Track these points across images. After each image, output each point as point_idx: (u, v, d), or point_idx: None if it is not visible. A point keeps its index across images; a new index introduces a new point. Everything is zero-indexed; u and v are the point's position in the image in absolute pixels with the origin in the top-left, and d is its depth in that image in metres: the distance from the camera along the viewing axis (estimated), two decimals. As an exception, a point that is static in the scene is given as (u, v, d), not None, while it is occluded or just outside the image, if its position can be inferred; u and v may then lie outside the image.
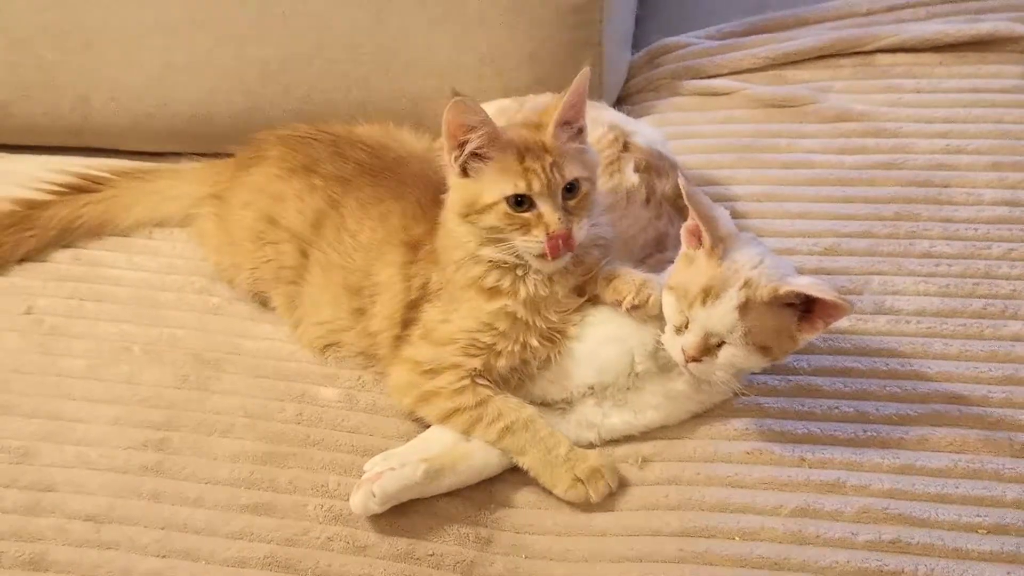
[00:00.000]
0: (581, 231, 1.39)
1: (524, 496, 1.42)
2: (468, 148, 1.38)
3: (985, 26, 1.99)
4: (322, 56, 1.88)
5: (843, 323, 1.56)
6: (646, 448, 1.44)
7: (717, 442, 1.44)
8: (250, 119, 1.87)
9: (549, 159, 1.37)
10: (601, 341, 1.43)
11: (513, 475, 1.43)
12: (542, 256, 1.38)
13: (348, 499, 1.38)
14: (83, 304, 1.66)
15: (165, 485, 1.41)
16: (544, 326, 1.42)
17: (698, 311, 1.34)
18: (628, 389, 1.44)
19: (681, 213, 1.55)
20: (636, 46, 2.17)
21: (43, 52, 1.94)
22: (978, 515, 1.34)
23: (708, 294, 1.34)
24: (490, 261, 1.41)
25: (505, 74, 1.89)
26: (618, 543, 1.35)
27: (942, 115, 1.89)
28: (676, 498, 1.38)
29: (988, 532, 1.32)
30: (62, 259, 1.74)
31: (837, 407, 1.47)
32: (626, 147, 1.62)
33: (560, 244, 1.36)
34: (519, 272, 1.41)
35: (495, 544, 1.37)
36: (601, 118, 1.67)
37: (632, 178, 1.58)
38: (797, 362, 1.52)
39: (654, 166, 1.61)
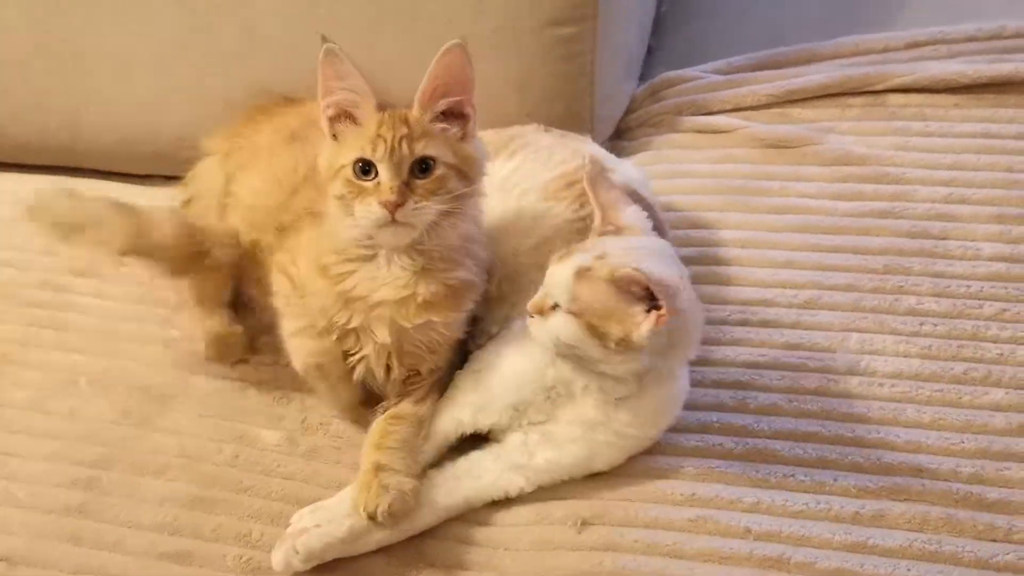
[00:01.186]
0: (421, 212, 1.32)
1: (453, 555, 1.36)
2: (333, 99, 1.36)
3: (1007, 67, 1.89)
4: (309, 79, 1.84)
5: (812, 383, 1.49)
6: (586, 509, 1.37)
7: (661, 507, 1.36)
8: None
9: (404, 130, 1.33)
10: (516, 353, 1.39)
11: (443, 531, 1.37)
12: (380, 225, 1.32)
13: (270, 552, 1.33)
14: (40, 332, 1.64)
15: (87, 528, 1.38)
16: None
17: (552, 266, 1.30)
18: (547, 420, 1.38)
19: None
20: (645, 77, 2.10)
21: (34, 74, 1.95)
22: (930, 601, 1.25)
23: (566, 254, 1.30)
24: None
25: (492, 104, 1.81)
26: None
27: (949, 161, 1.79)
28: (611, 566, 1.31)
29: (938, 620, 1.24)
30: (29, 283, 1.73)
31: (792, 475, 1.38)
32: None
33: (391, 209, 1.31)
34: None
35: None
36: (582, 150, 1.60)
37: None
38: (757, 424, 1.44)
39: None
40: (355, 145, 1.34)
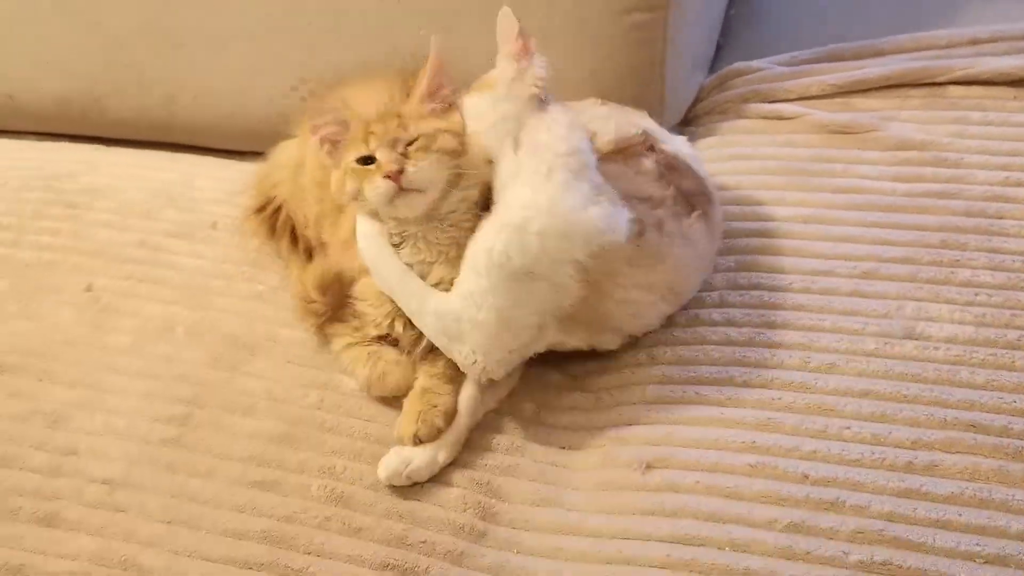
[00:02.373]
0: (422, 171, 1.40)
1: (525, 492, 1.42)
2: (322, 134, 1.46)
3: (1066, 62, 1.91)
4: (391, 63, 1.90)
5: (869, 345, 1.52)
6: (649, 454, 1.41)
7: (722, 452, 1.40)
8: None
9: (395, 122, 1.42)
10: None
11: (518, 469, 1.43)
12: (391, 197, 1.40)
13: (353, 484, 1.40)
14: (138, 285, 1.72)
15: (181, 457, 1.45)
16: None
17: None
18: None
19: (690, 205, 1.54)
20: (714, 71, 2.14)
21: (136, 51, 2.03)
22: (978, 544, 1.27)
23: None
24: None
25: (567, 91, 1.87)
26: (609, 544, 1.33)
27: (1007, 148, 1.81)
28: (672, 505, 1.35)
29: (986, 562, 1.26)
30: (128, 242, 1.80)
31: (849, 427, 1.41)
32: (652, 148, 1.59)
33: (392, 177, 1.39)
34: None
35: (488, 537, 1.36)
36: (636, 122, 1.65)
37: (646, 162, 1.55)
38: (816, 381, 1.47)
39: (677, 167, 1.58)
40: (352, 149, 1.43)
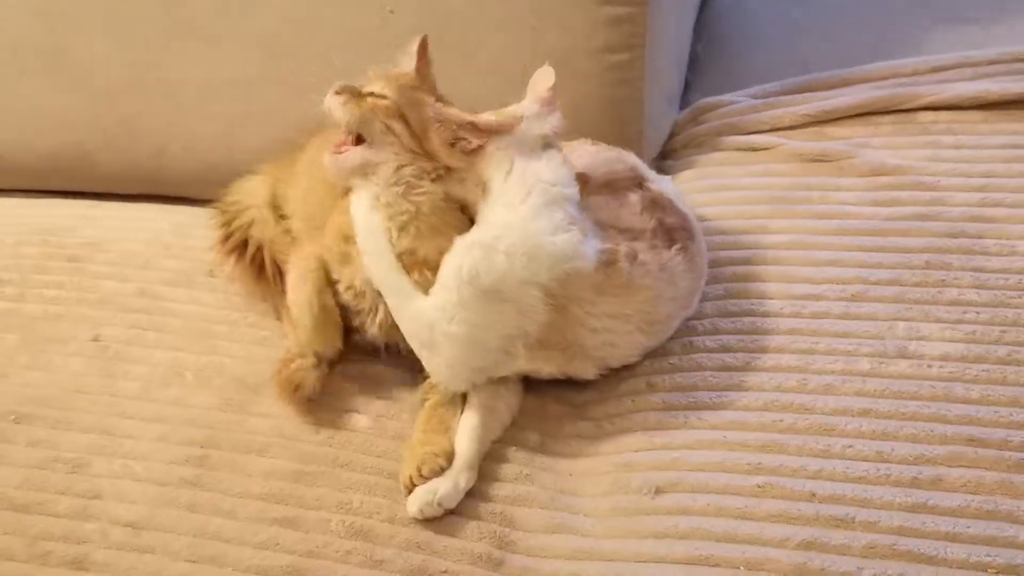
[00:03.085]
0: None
1: (538, 520, 1.42)
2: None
3: (1031, 84, 1.96)
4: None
5: (864, 365, 1.54)
6: (659, 479, 1.42)
7: (730, 475, 1.41)
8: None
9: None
10: None
11: (530, 498, 1.44)
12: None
13: (370, 517, 1.40)
14: (144, 333, 1.70)
15: (201, 497, 1.44)
16: None
17: None
18: None
19: (671, 240, 1.56)
20: (684, 107, 2.17)
21: (124, 104, 2.01)
22: (988, 555, 1.29)
23: None
24: None
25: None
26: (625, 568, 1.33)
27: (981, 170, 1.84)
28: (685, 527, 1.36)
29: (998, 572, 1.27)
30: (130, 292, 1.79)
31: (852, 446, 1.43)
32: (640, 185, 1.62)
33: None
34: None
35: (506, 565, 1.36)
36: (624, 159, 1.68)
37: (632, 197, 1.59)
38: (815, 402, 1.49)
39: (661, 203, 1.60)
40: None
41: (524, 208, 1.43)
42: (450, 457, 1.45)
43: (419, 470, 1.42)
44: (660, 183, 1.68)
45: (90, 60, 2.01)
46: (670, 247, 1.54)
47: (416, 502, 1.39)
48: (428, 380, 1.53)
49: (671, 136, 2.08)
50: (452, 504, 1.41)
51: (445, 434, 1.48)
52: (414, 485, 1.41)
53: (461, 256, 1.41)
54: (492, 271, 1.41)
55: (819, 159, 1.93)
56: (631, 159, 1.72)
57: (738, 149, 2.00)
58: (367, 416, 1.55)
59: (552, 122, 1.52)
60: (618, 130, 1.91)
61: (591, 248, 1.45)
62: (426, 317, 1.45)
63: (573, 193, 1.49)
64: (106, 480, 1.47)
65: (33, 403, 1.59)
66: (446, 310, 1.43)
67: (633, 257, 1.49)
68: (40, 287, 1.82)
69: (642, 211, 1.57)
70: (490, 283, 1.41)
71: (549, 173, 1.48)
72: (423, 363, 1.50)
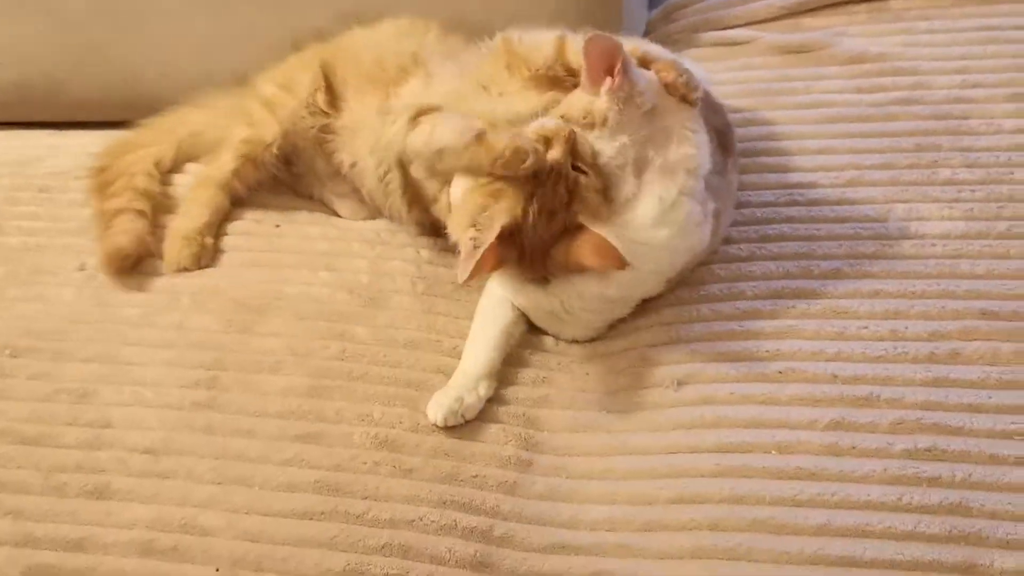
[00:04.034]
0: None
1: (561, 420, 1.38)
2: None
3: (999, -33, 1.92)
4: (359, 19, 1.83)
5: (869, 248, 1.51)
6: (679, 372, 1.39)
7: (749, 363, 1.38)
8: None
9: None
10: None
11: (561, 399, 1.40)
12: None
13: (393, 428, 1.34)
14: (131, 259, 1.62)
15: (218, 419, 1.37)
16: None
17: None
18: None
19: (727, 149, 1.51)
20: (653, 6, 2.11)
21: (93, 30, 1.92)
22: (1013, 423, 1.27)
23: None
24: None
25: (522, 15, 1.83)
26: (657, 460, 1.30)
27: (958, 53, 1.82)
28: (712, 417, 1.33)
29: (1024, 439, 1.26)
30: (113, 218, 1.70)
31: (867, 327, 1.40)
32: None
33: None
34: None
35: (536, 466, 1.32)
36: (651, 51, 1.61)
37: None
38: (824, 287, 1.46)
39: (708, 102, 1.54)
40: None
41: (676, 215, 1.38)
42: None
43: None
44: (692, 69, 1.60)
45: (50, -12, 1.91)
46: (726, 159, 1.50)
47: (440, 411, 1.35)
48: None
49: (646, 35, 2.02)
50: (474, 414, 1.37)
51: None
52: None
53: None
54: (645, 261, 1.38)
55: (798, 50, 1.89)
56: (656, 50, 1.66)
57: (715, 45, 1.96)
58: (374, 328, 1.50)
59: (639, 91, 1.37)
60: (601, 16, 1.84)
61: (708, 229, 1.42)
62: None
63: (705, 164, 1.41)
64: (115, 408, 1.40)
65: (29, 336, 1.51)
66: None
67: (719, 213, 1.46)
68: (15, 219, 1.74)
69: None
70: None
71: (691, 161, 1.39)
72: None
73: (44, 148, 1.91)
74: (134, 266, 1.60)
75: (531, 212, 1.31)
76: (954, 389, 1.31)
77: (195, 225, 1.63)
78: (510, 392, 1.41)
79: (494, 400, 1.39)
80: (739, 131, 1.72)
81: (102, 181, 1.71)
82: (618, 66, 1.33)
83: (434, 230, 1.54)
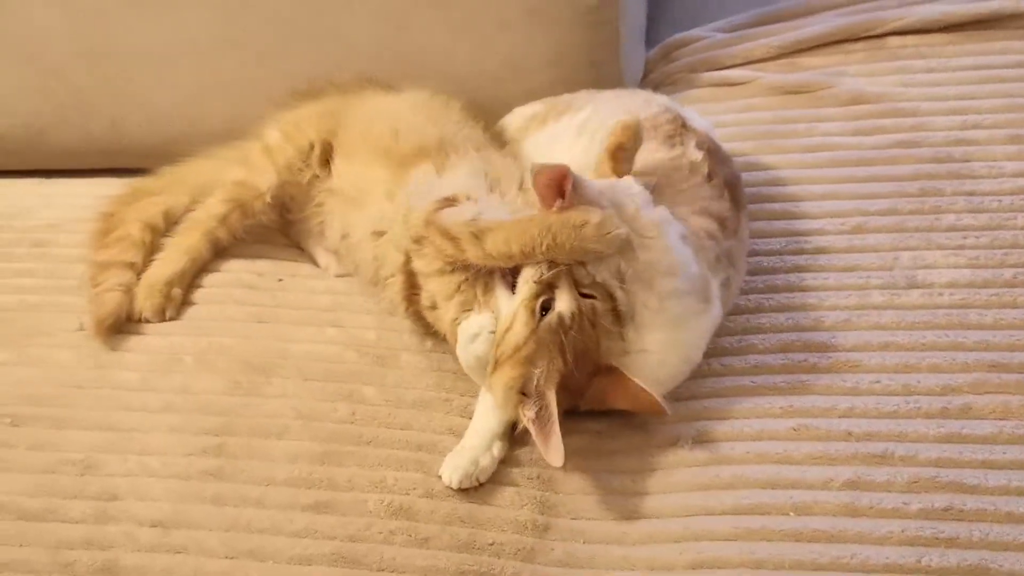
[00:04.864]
0: None
1: (576, 482, 1.39)
2: None
3: (992, 4, 1.97)
4: (347, 68, 1.85)
5: (877, 298, 1.54)
6: (690, 430, 1.40)
7: (762, 420, 1.40)
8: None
9: None
10: None
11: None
12: None
13: (407, 495, 1.36)
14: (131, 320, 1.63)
15: (226, 488, 1.37)
16: None
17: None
18: None
19: (739, 203, 1.53)
20: (649, 44, 2.14)
21: (75, 78, 1.93)
22: (1027, 479, 1.30)
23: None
24: None
25: (526, 78, 1.87)
26: (673, 524, 1.32)
27: (955, 92, 1.86)
28: (727, 477, 1.35)
29: (1039, 495, 1.29)
30: (109, 276, 1.71)
31: (879, 381, 1.43)
32: (684, 127, 1.58)
33: None
34: None
35: (552, 531, 1.34)
36: (653, 99, 1.64)
37: (696, 154, 1.53)
38: (834, 339, 1.49)
39: (714, 150, 1.57)
40: None
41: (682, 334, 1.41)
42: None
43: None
44: (694, 118, 1.65)
45: (35, 34, 1.91)
46: (739, 212, 1.53)
47: (456, 474, 1.36)
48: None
49: (644, 75, 2.05)
50: (488, 476, 1.38)
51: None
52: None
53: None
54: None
55: (797, 91, 1.92)
56: (659, 97, 1.69)
57: (714, 85, 1.99)
58: (382, 387, 1.51)
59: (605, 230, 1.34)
60: (596, 73, 1.88)
61: (717, 309, 1.44)
62: None
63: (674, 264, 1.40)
64: (121, 479, 1.40)
65: (28, 403, 1.51)
66: None
67: (729, 282, 1.48)
68: (10, 276, 1.73)
69: (708, 177, 1.53)
70: None
71: (672, 279, 1.39)
72: None
73: (35, 197, 1.92)
74: (120, 327, 1.60)
75: (569, 359, 1.33)
76: (967, 445, 1.34)
77: (166, 274, 1.63)
78: (523, 453, 1.41)
79: (507, 461, 1.40)
80: (744, 177, 1.75)
81: (103, 229, 1.71)
82: (568, 186, 1.32)
83: (426, 325, 1.53)
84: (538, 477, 1.39)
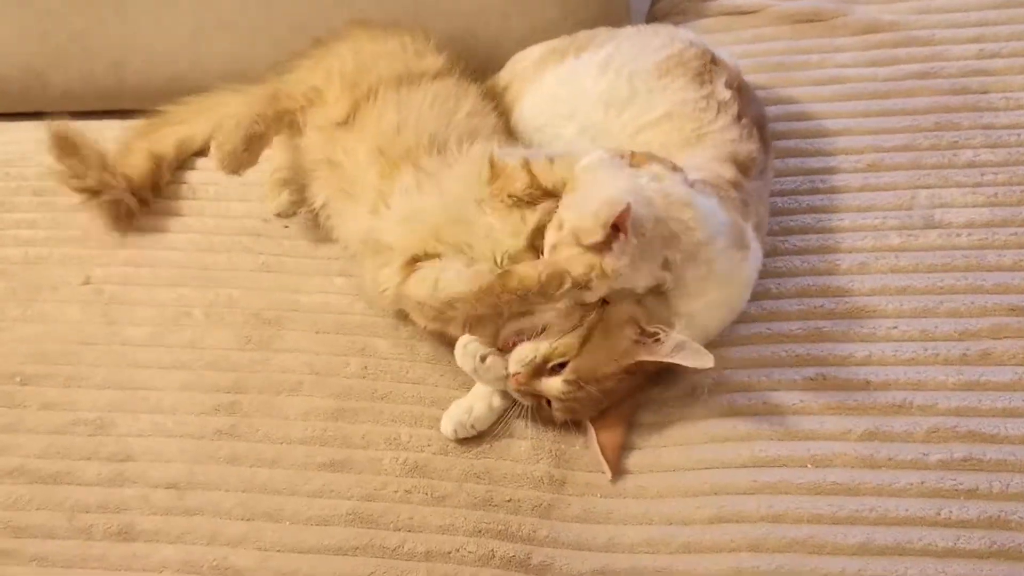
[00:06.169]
0: None
1: (590, 436, 1.39)
2: None
3: (1012, -72, 1.91)
4: (350, 6, 1.81)
5: (894, 240, 1.52)
6: (708, 378, 1.39)
7: (780, 369, 1.40)
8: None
9: None
10: None
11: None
12: None
13: (422, 451, 1.36)
14: (139, 271, 1.61)
15: (241, 448, 1.38)
16: None
17: None
18: None
19: (767, 143, 1.50)
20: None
21: (73, 20, 1.88)
22: (1047, 427, 1.30)
23: None
24: None
25: (531, 11, 1.83)
26: (691, 477, 1.32)
27: (973, 19, 1.81)
28: (744, 429, 1.34)
29: (1060, 444, 1.28)
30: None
31: (896, 327, 1.42)
32: (714, 61, 1.54)
33: None
34: None
35: (569, 485, 1.34)
36: (677, 34, 1.60)
37: (724, 93, 1.49)
38: (851, 283, 1.47)
39: (744, 87, 1.53)
40: None
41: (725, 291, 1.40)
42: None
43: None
44: (720, 54, 1.59)
45: (32, -25, 1.87)
46: (767, 156, 1.50)
47: (450, 423, 1.36)
48: None
49: (653, 3, 2.00)
50: (486, 425, 1.37)
51: None
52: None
53: None
54: None
55: (810, 19, 1.88)
56: (683, 32, 1.64)
57: (724, 14, 1.94)
58: (393, 339, 1.50)
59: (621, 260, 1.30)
60: (603, 5, 1.84)
61: (758, 253, 1.43)
62: None
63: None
64: (135, 439, 1.40)
65: (37, 361, 1.50)
66: None
67: (760, 226, 1.46)
68: (13, 227, 1.70)
69: (737, 117, 1.48)
70: None
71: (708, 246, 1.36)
72: None
73: (31, 143, 1.87)
74: None
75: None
76: (987, 393, 1.34)
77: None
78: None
79: (522, 415, 1.39)
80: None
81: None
82: (626, 224, 1.27)
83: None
84: (554, 435, 1.38)
